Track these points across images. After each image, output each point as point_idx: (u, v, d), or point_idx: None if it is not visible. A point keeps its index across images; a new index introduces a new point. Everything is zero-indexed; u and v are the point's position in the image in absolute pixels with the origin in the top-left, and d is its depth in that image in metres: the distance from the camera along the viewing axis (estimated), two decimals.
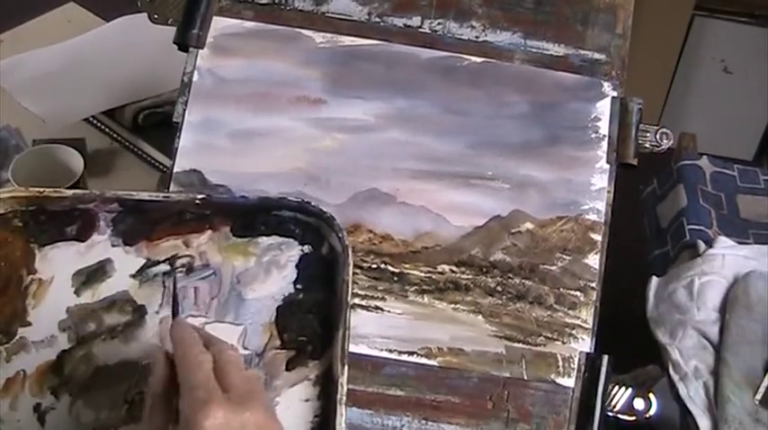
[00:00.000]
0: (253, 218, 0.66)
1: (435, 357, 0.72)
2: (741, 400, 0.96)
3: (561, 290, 0.74)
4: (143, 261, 0.66)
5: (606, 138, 0.76)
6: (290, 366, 0.63)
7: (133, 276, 0.65)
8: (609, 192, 0.75)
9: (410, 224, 0.74)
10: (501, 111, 0.77)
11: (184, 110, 0.76)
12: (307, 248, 0.66)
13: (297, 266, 0.65)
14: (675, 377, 1.01)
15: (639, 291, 1.13)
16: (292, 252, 0.66)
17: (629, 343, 0.95)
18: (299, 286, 0.65)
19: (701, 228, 1.16)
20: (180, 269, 0.65)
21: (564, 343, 0.73)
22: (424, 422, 0.71)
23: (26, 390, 0.62)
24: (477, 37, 0.78)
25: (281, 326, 0.64)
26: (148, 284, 0.65)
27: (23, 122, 1.20)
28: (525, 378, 0.72)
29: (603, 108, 0.77)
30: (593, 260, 0.74)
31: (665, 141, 0.76)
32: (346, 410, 0.59)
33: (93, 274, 0.65)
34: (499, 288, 0.73)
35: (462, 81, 0.77)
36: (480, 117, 0.77)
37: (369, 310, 0.72)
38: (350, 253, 0.62)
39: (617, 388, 0.72)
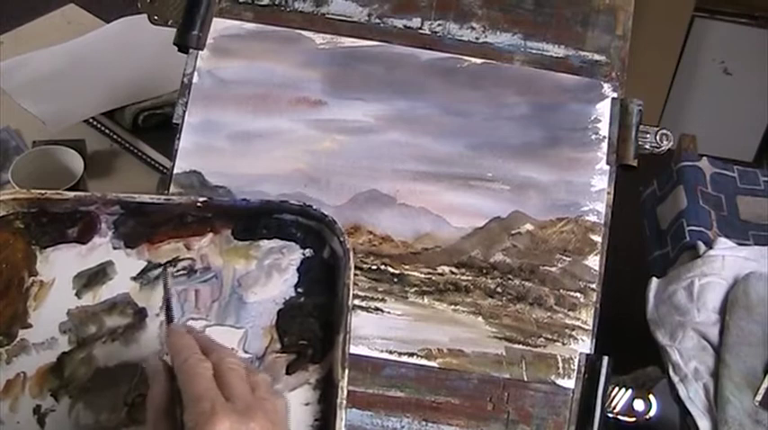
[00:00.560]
0: (254, 221, 0.66)
1: (435, 358, 0.72)
2: (741, 401, 0.96)
3: (561, 291, 0.74)
4: (144, 263, 0.66)
5: (606, 140, 0.76)
6: (290, 370, 0.63)
7: (134, 279, 0.65)
8: (609, 193, 0.75)
9: (410, 225, 0.74)
10: (501, 112, 0.77)
11: (184, 111, 0.76)
12: (308, 252, 0.66)
13: (298, 270, 0.65)
14: (675, 378, 1.01)
15: (639, 293, 1.13)
16: (294, 255, 0.65)
17: (629, 344, 0.95)
18: (300, 290, 0.65)
19: (701, 229, 1.16)
20: (181, 272, 0.65)
21: (564, 344, 0.73)
22: (424, 423, 0.71)
23: (26, 392, 0.62)
24: (477, 38, 0.78)
25: (281, 330, 0.64)
26: (149, 287, 0.65)
27: (23, 124, 1.20)
28: (525, 379, 0.72)
29: (603, 109, 0.77)
30: (593, 261, 0.74)
31: (665, 142, 0.77)
32: (346, 414, 0.59)
33: (94, 277, 0.65)
34: (499, 289, 0.73)
35: (462, 82, 0.77)
36: (480, 118, 0.77)
37: (369, 312, 0.72)
38: (351, 256, 0.62)
39: (617, 389, 0.72)
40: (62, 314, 0.64)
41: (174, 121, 0.76)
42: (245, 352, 0.63)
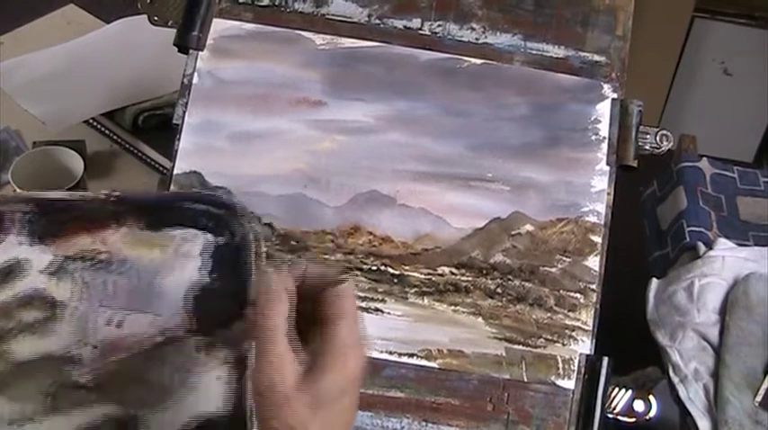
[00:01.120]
0: (166, 213, 0.67)
1: (435, 359, 0.72)
2: (741, 402, 0.96)
3: (561, 292, 0.74)
4: (60, 258, 0.66)
5: (606, 140, 0.76)
6: (205, 351, 0.64)
7: (50, 273, 0.66)
8: (609, 193, 0.75)
9: (410, 226, 0.74)
10: (501, 112, 0.77)
11: (184, 112, 0.76)
12: (220, 239, 0.66)
13: (210, 257, 0.65)
14: (675, 379, 1.01)
15: (639, 293, 1.13)
16: (205, 243, 0.66)
17: (629, 345, 0.95)
18: (213, 275, 0.65)
19: (701, 229, 1.16)
20: (98, 265, 0.66)
21: (564, 345, 0.73)
22: (424, 424, 0.71)
23: None
24: (477, 39, 0.78)
25: (196, 314, 0.65)
26: (64, 280, 0.66)
27: (23, 124, 1.20)
28: (525, 380, 0.72)
29: (603, 110, 0.77)
30: (593, 262, 0.74)
31: (665, 143, 0.76)
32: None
33: (7, 274, 0.66)
34: (499, 290, 0.73)
35: (462, 83, 0.77)
36: (480, 119, 0.77)
37: (369, 312, 0.72)
38: (262, 241, 0.63)
39: (617, 390, 0.72)
40: None
41: (174, 122, 0.76)
42: (162, 335, 0.64)
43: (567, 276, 0.74)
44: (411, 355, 0.72)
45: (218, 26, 0.78)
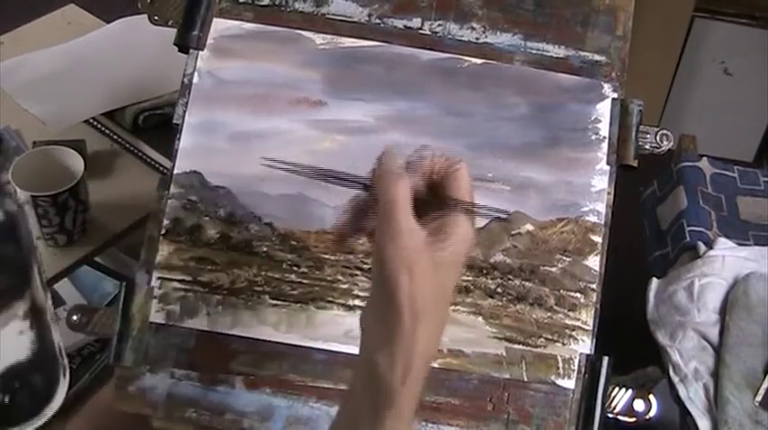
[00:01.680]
0: None
1: (435, 359, 0.72)
2: (741, 402, 0.96)
3: (561, 291, 0.74)
4: None
5: (606, 140, 0.76)
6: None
7: None
8: (609, 193, 0.75)
9: None
10: (501, 112, 0.77)
11: (184, 111, 0.76)
12: None
13: None
14: (675, 378, 1.01)
15: (640, 293, 1.13)
16: None
17: (630, 344, 0.95)
18: None
19: (701, 229, 1.16)
20: None
21: (564, 344, 0.73)
22: (424, 423, 0.71)
23: None
24: (477, 38, 0.78)
25: None
26: None
27: (24, 124, 1.20)
28: (525, 379, 0.72)
29: (604, 110, 0.77)
30: (594, 262, 0.74)
31: (665, 143, 0.77)
32: (58, 327, 0.70)
33: None
34: (499, 289, 0.73)
35: (462, 83, 0.77)
36: (480, 119, 0.77)
37: None
38: (26, 209, 0.70)
39: (617, 389, 0.72)
40: None
41: (174, 122, 0.76)
42: None
43: (567, 276, 0.74)
44: None
45: (219, 26, 0.78)
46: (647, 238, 1.29)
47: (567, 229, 0.75)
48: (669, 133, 0.77)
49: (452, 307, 0.73)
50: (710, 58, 2.21)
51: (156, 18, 0.78)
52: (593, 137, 0.76)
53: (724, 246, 1.11)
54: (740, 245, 1.13)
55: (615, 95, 0.77)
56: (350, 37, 0.78)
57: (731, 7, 2.16)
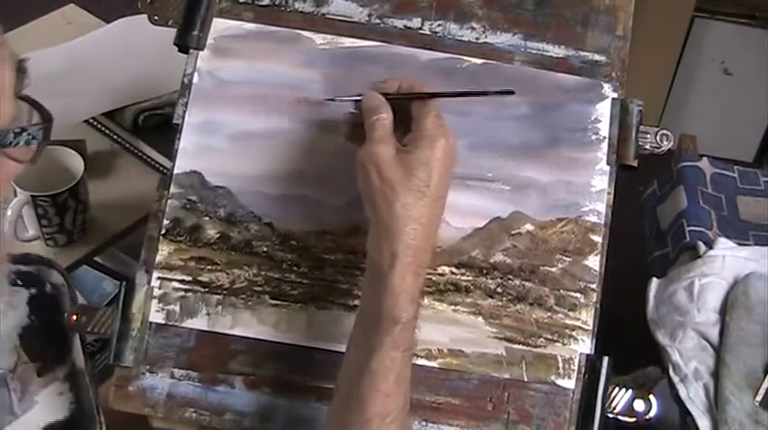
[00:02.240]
0: None
1: (435, 359, 0.72)
2: (741, 402, 0.96)
3: (561, 291, 0.74)
4: None
5: (606, 140, 0.76)
6: (40, 373, 0.77)
7: None
8: (609, 193, 0.75)
9: None
10: (501, 112, 0.77)
11: (185, 111, 0.76)
12: (33, 290, 0.79)
13: (27, 304, 0.79)
14: (675, 378, 1.01)
15: (639, 293, 1.13)
16: (22, 295, 0.79)
17: (630, 344, 0.95)
18: (32, 317, 0.79)
19: (702, 229, 1.16)
20: None
21: (564, 344, 0.73)
22: (424, 423, 0.71)
23: None
24: (477, 38, 0.78)
25: (24, 347, 0.77)
26: None
27: None
28: (525, 379, 0.72)
29: (603, 109, 0.77)
30: (594, 262, 0.74)
31: (665, 143, 0.76)
32: (96, 386, 0.78)
33: None
34: (499, 289, 0.73)
35: (462, 82, 0.77)
36: (480, 118, 0.77)
37: None
38: (71, 282, 0.80)
39: (617, 389, 0.72)
40: None
41: (175, 122, 0.76)
42: (0, 368, 0.75)
43: (567, 276, 0.74)
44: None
45: (219, 26, 0.78)
46: (647, 238, 1.29)
47: (566, 229, 0.75)
48: (669, 133, 0.77)
49: (452, 307, 0.73)
50: (710, 58, 2.21)
51: (156, 18, 0.78)
52: (593, 137, 0.76)
53: (724, 245, 1.11)
54: (740, 245, 1.13)
55: (615, 95, 0.77)
56: (350, 37, 0.78)
57: (731, 7, 2.16)
